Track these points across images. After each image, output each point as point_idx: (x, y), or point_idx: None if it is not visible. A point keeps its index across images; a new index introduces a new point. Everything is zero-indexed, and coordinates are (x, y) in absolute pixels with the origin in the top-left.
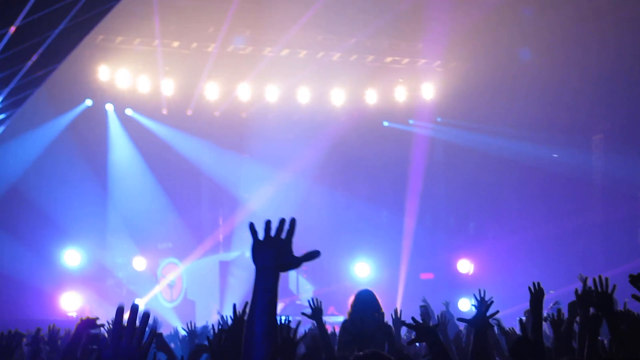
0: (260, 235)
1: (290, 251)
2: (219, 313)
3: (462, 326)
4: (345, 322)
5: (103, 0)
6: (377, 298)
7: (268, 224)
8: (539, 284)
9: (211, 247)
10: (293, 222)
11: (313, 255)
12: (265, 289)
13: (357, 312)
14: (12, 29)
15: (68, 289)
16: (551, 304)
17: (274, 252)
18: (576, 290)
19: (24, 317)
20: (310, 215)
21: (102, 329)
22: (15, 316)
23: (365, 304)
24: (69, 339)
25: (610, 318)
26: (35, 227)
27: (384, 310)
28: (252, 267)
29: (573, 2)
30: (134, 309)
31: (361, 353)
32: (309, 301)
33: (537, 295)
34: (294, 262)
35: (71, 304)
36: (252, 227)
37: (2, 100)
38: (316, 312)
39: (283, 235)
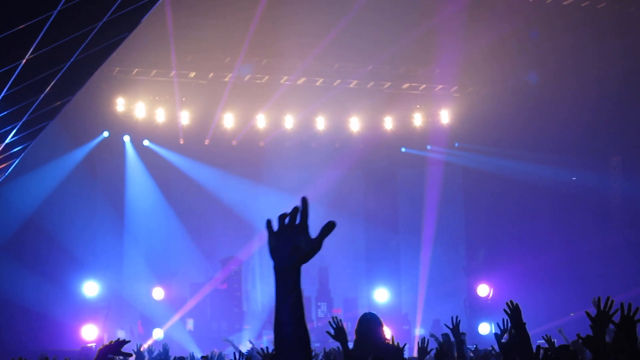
0: (275, 227)
1: (307, 237)
2: (250, 342)
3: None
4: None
5: (114, 32)
6: (381, 321)
7: (282, 216)
8: (511, 302)
9: (227, 276)
10: (305, 201)
11: (329, 228)
12: (287, 291)
13: (359, 335)
14: (23, 61)
15: (87, 320)
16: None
17: (290, 246)
18: (587, 314)
19: (44, 348)
20: (328, 243)
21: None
22: (36, 348)
23: (367, 327)
24: None
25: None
26: (53, 259)
27: (394, 334)
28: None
29: (587, 24)
30: None
31: None
32: (329, 322)
33: (514, 313)
34: (315, 246)
35: (91, 335)
36: (268, 223)
37: (16, 133)
38: (339, 332)
39: (297, 221)
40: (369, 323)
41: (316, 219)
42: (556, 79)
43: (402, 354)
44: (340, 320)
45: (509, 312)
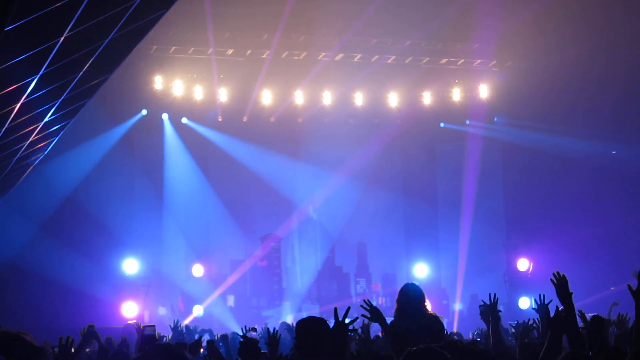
0: None
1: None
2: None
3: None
4: (392, 322)
5: (151, 9)
6: (423, 292)
7: None
8: (558, 272)
9: (267, 253)
10: None
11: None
12: None
13: (401, 305)
14: (61, 39)
15: (127, 297)
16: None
17: None
18: (629, 286)
19: (84, 326)
20: (367, 217)
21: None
22: (76, 326)
23: (409, 297)
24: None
25: None
26: (93, 237)
27: (433, 309)
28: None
29: (619, 1)
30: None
31: (414, 349)
32: (362, 306)
33: (560, 284)
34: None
35: (131, 312)
36: None
37: (54, 112)
38: (374, 313)
39: None
40: (410, 293)
41: (356, 194)
42: (593, 54)
43: (442, 325)
44: (368, 300)
45: (555, 282)
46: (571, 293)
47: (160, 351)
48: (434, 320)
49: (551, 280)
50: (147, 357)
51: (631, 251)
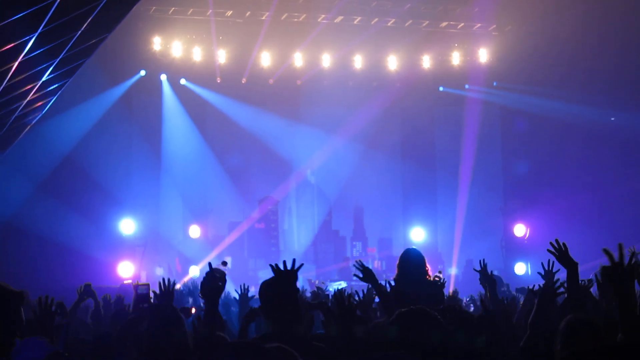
0: None
1: None
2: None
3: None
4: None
5: None
6: (423, 257)
7: None
8: (556, 241)
9: (264, 215)
10: None
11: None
12: None
13: (402, 270)
14: None
15: (124, 257)
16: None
17: None
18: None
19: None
20: (365, 181)
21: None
22: (73, 285)
23: (410, 262)
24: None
25: None
26: (91, 197)
27: (431, 270)
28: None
29: None
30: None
31: (405, 310)
32: (354, 265)
33: (560, 252)
34: None
35: (127, 272)
36: None
37: (52, 71)
38: (367, 274)
39: None
40: (411, 258)
41: (354, 157)
42: (592, 18)
43: (442, 291)
44: (361, 260)
45: (556, 253)
46: (576, 263)
47: (154, 310)
48: (434, 286)
49: (549, 250)
50: (141, 316)
51: (628, 218)
